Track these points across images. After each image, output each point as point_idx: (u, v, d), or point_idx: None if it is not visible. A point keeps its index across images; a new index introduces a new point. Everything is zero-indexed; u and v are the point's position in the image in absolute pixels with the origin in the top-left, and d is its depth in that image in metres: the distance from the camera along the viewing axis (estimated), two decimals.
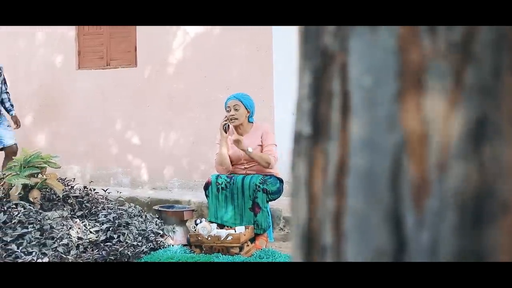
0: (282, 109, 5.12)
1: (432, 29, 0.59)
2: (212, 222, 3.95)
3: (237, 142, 3.87)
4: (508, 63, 0.57)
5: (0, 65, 5.55)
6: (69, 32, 6.09)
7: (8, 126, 5.51)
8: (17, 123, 5.61)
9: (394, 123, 0.59)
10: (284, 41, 5.16)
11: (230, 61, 5.42)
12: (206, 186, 4.03)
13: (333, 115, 0.64)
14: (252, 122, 4.13)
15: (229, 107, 4.05)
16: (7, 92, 5.61)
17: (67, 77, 6.10)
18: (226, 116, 4.07)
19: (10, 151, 5.38)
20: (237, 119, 4.02)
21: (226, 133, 4.06)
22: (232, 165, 4.09)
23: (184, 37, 5.64)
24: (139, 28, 5.82)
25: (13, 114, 5.63)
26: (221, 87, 5.40)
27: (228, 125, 4.09)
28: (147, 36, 5.78)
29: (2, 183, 3.77)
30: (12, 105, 5.64)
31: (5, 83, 5.63)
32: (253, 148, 3.99)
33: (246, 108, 4.05)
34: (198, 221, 3.95)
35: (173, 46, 5.68)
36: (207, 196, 4.04)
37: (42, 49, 6.22)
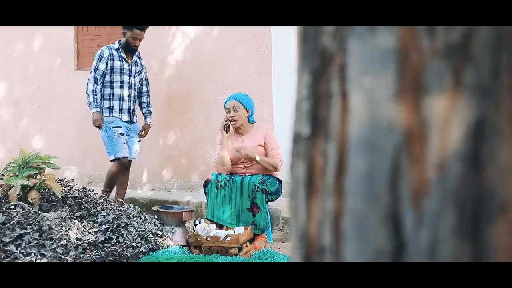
0: (281, 110, 5.11)
1: (431, 29, 0.59)
2: (210, 221, 3.96)
3: (241, 151, 3.93)
4: (507, 63, 0.57)
5: (143, 63, 4.87)
6: (68, 32, 6.08)
7: (138, 140, 4.84)
8: (144, 131, 4.84)
9: (393, 124, 0.59)
10: (283, 41, 5.16)
11: (229, 61, 5.42)
12: (206, 184, 4.03)
13: (332, 116, 0.64)
14: (252, 122, 4.16)
15: (228, 108, 4.08)
16: (148, 95, 4.92)
17: (66, 78, 6.09)
18: (226, 117, 4.09)
19: (120, 164, 4.64)
20: (237, 120, 4.04)
21: (227, 133, 4.08)
22: (232, 165, 4.11)
23: (183, 37, 5.63)
24: None
25: (147, 122, 4.88)
26: (220, 88, 5.40)
27: (229, 126, 4.10)
28: (145, 36, 5.77)
29: (0, 184, 3.77)
30: (149, 112, 4.90)
31: (147, 83, 4.93)
32: (254, 146, 4.02)
33: (246, 108, 4.07)
34: (197, 221, 3.95)
35: (172, 47, 5.67)
36: (206, 193, 4.04)
37: (41, 50, 6.21)
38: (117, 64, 4.62)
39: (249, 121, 4.13)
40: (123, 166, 4.63)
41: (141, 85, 4.86)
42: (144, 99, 4.89)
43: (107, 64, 4.60)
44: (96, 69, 4.60)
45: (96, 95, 4.58)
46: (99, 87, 4.60)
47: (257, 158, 3.92)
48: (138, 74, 4.78)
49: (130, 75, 4.68)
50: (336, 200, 0.62)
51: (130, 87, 4.69)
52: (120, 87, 4.64)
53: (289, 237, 0.79)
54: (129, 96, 4.69)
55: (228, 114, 4.05)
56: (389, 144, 0.59)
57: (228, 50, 5.42)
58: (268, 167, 3.97)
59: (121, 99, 4.64)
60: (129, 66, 4.67)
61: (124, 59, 4.65)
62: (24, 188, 3.65)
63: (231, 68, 5.42)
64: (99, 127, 4.60)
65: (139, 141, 4.86)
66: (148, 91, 4.91)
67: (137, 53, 4.76)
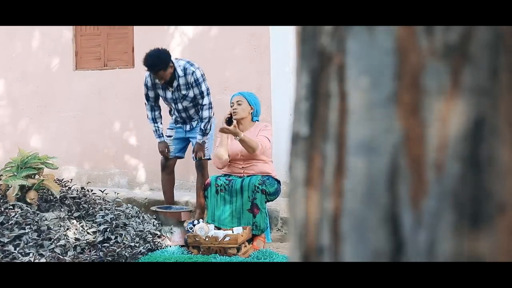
0: (280, 110, 5.11)
1: (429, 29, 0.59)
2: (210, 224, 3.96)
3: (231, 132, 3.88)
4: (505, 63, 0.57)
5: (189, 79, 4.38)
6: (66, 33, 6.08)
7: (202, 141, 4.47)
8: (194, 153, 4.46)
9: (392, 124, 0.59)
10: (282, 41, 5.16)
11: (227, 61, 5.42)
12: (205, 188, 4.04)
13: (331, 116, 0.64)
14: (256, 122, 4.18)
15: (232, 102, 4.14)
16: (203, 109, 4.42)
17: (65, 78, 6.08)
18: (229, 111, 4.12)
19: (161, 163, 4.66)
20: (238, 112, 4.08)
21: (229, 126, 4.11)
22: (230, 161, 4.11)
23: (181, 37, 5.63)
24: (137, 29, 5.81)
25: (197, 140, 4.46)
26: (219, 88, 5.40)
27: (230, 119, 4.12)
28: (144, 36, 5.77)
29: None
30: (201, 129, 4.42)
31: (202, 96, 4.42)
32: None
33: (250, 105, 4.10)
34: (195, 222, 3.95)
35: (170, 46, 5.66)
36: (205, 197, 4.05)
37: (39, 50, 6.20)
38: (160, 92, 4.48)
39: (252, 120, 4.15)
40: (162, 165, 4.65)
41: (196, 98, 4.47)
42: (201, 113, 4.47)
43: (154, 90, 4.49)
44: (147, 96, 4.55)
45: (156, 122, 4.57)
46: (157, 112, 4.59)
47: (241, 135, 3.87)
48: (183, 99, 4.44)
49: (175, 103, 4.48)
50: (335, 200, 0.62)
51: (178, 111, 4.56)
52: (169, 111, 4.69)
53: (288, 237, 0.79)
54: (179, 112, 4.56)
55: (232, 107, 4.09)
56: (388, 144, 0.59)
57: (227, 50, 5.42)
58: (247, 147, 3.91)
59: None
60: (171, 94, 4.44)
61: (165, 87, 4.43)
62: (23, 188, 3.64)
63: (229, 68, 5.42)
64: (166, 157, 4.55)
65: (202, 141, 4.47)
66: (204, 104, 4.42)
67: (180, 72, 4.36)
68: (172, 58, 4.37)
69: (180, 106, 4.49)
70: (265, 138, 4.02)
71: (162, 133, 4.59)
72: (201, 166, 4.53)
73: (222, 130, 3.92)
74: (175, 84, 4.39)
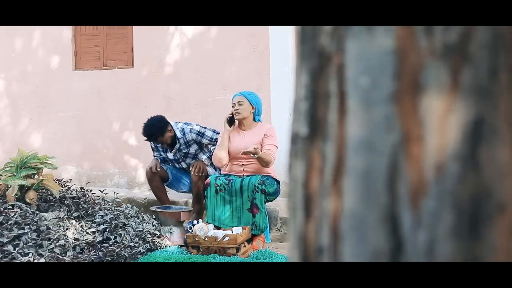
0: (279, 110, 5.12)
1: (429, 29, 0.59)
2: (210, 224, 3.96)
3: (251, 152, 3.83)
4: (505, 63, 0.57)
5: (188, 137, 4.52)
6: (65, 32, 6.07)
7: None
8: (197, 165, 4.50)
9: (391, 124, 0.59)
10: (281, 41, 5.16)
11: (227, 61, 5.42)
12: (205, 188, 4.04)
13: (330, 116, 0.64)
14: (258, 122, 4.17)
15: (234, 103, 4.13)
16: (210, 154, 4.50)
17: (64, 78, 6.08)
18: (231, 112, 4.12)
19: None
20: (240, 113, 4.08)
21: (230, 126, 4.11)
22: (230, 159, 4.11)
23: (181, 37, 5.63)
24: (136, 29, 5.80)
25: (201, 157, 4.60)
26: (218, 88, 5.40)
27: (232, 120, 4.12)
28: (143, 36, 5.77)
29: None
30: (209, 150, 4.57)
31: (216, 133, 4.50)
32: (254, 143, 3.99)
33: (251, 104, 4.10)
34: (195, 221, 3.94)
35: (170, 46, 5.67)
36: (205, 197, 4.05)
37: (39, 50, 6.20)
38: (162, 153, 4.70)
39: (254, 120, 4.15)
40: (148, 178, 4.70)
41: (201, 151, 4.65)
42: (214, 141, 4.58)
43: (157, 150, 4.71)
44: (152, 150, 4.77)
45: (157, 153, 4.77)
46: (160, 158, 4.74)
47: (259, 154, 3.85)
48: (185, 157, 4.64)
49: (178, 162, 4.69)
50: (334, 200, 0.62)
51: (182, 168, 4.75)
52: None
53: (287, 237, 0.79)
54: (183, 168, 4.76)
55: (233, 108, 4.09)
56: (387, 144, 0.59)
57: (226, 50, 5.42)
58: (261, 162, 3.91)
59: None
60: (173, 156, 4.64)
61: (167, 149, 4.64)
62: (22, 188, 3.64)
63: (229, 68, 5.43)
64: (151, 169, 4.61)
65: (205, 159, 4.59)
66: (210, 151, 4.55)
67: (179, 134, 4.52)
68: (172, 122, 4.56)
69: (184, 165, 4.70)
70: (274, 147, 4.03)
71: (159, 156, 4.74)
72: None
73: (246, 153, 3.86)
74: (176, 146, 4.56)
